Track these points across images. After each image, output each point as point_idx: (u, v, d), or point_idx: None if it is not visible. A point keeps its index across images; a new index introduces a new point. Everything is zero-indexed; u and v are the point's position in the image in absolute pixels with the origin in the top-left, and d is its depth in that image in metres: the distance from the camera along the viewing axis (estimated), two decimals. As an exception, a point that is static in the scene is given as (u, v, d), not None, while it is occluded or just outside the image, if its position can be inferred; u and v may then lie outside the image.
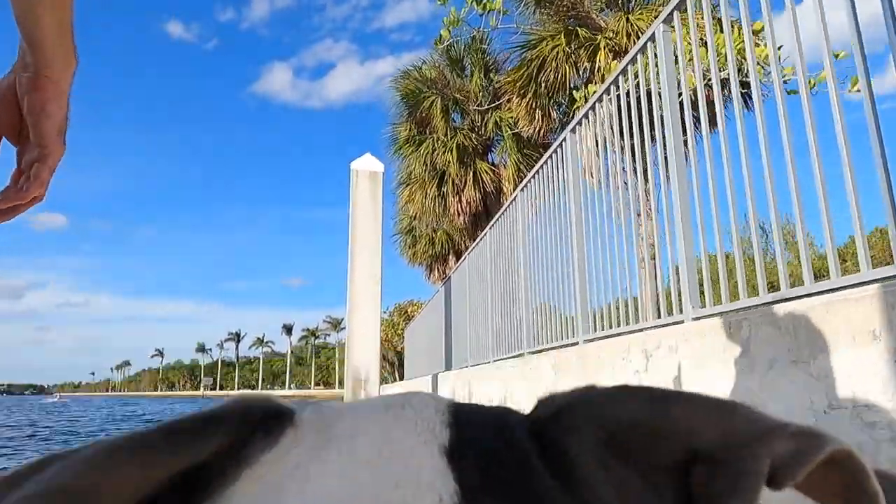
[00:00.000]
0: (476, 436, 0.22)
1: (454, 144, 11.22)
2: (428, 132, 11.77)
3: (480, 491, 0.20)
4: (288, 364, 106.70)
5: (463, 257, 7.93)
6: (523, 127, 9.72)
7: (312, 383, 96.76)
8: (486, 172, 11.34)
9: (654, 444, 0.21)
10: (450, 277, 8.73)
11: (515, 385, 4.61)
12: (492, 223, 6.13)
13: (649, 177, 2.86)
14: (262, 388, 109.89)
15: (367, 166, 9.19)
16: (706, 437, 0.21)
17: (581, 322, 3.63)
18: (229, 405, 0.23)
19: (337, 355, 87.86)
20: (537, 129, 9.37)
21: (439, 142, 11.38)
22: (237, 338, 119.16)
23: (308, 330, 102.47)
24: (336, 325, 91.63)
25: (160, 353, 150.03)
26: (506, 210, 5.62)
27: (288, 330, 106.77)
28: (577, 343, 3.55)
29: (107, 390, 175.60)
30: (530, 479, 0.20)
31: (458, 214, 11.39)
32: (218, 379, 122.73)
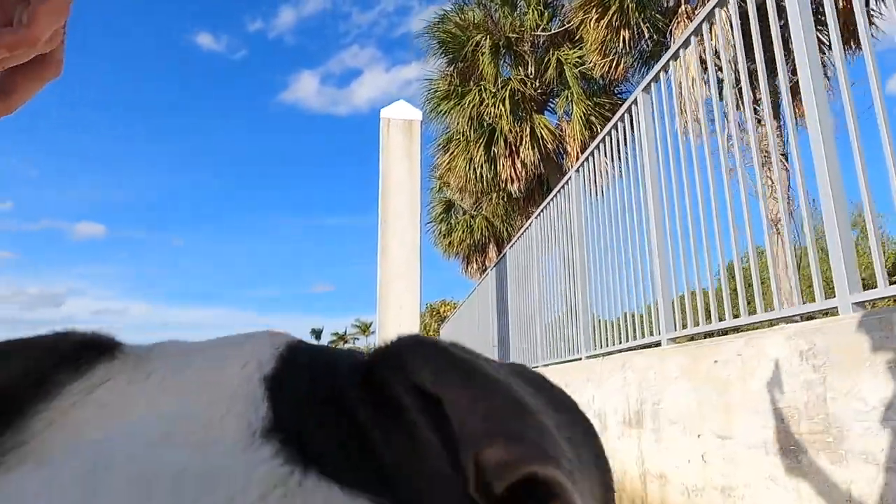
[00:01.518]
0: (301, 371, 0.22)
1: (507, 94, 9.19)
2: (473, 83, 9.78)
3: (292, 419, 0.20)
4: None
5: (527, 224, 5.96)
6: (595, 63, 7.66)
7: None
8: (546, 128, 9.29)
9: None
10: (503, 257, 6.79)
11: (643, 389, 2.66)
12: (589, 150, 4.13)
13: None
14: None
15: (400, 114, 7.26)
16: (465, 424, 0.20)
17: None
18: (44, 335, 0.22)
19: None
20: (615, 61, 7.31)
21: (488, 91, 9.37)
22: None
23: (337, 334, 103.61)
24: (365, 329, 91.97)
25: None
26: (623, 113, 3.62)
27: (317, 334, 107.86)
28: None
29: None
30: (343, 412, 0.20)
31: (512, 180, 9.37)
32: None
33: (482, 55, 9.49)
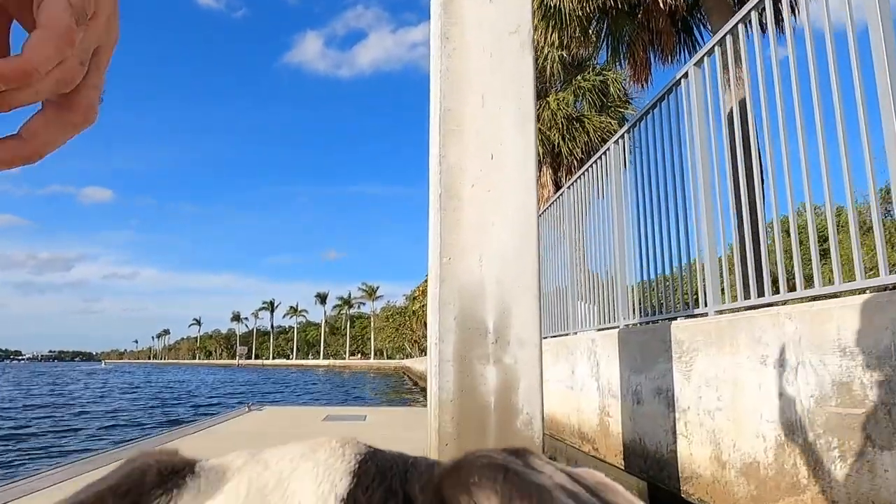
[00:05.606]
0: (375, 489, 0.23)
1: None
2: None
3: None
4: (322, 334, 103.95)
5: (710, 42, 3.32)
6: None
7: (347, 353, 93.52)
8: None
9: None
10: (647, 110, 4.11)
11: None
12: None
13: None
14: (296, 358, 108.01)
15: None
16: None
17: None
18: (125, 472, 0.23)
19: (372, 324, 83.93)
20: None
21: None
22: (271, 307, 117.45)
23: (342, 299, 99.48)
24: (371, 293, 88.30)
25: (198, 322, 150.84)
26: None
27: (322, 299, 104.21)
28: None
29: (148, 358, 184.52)
30: None
31: None
32: (253, 348, 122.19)
33: None
